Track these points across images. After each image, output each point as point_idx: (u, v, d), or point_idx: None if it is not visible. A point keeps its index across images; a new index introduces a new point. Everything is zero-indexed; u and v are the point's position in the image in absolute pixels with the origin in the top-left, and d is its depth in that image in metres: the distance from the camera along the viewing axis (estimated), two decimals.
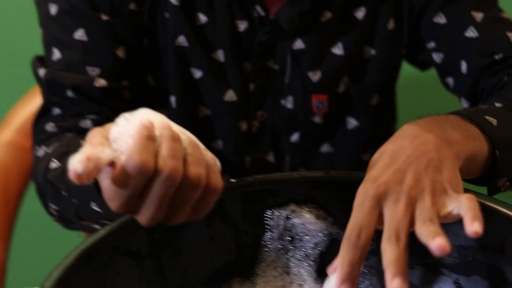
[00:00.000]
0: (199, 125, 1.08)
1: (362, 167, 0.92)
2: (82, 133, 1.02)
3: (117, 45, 1.04)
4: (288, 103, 1.07)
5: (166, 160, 0.68)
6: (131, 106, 1.05)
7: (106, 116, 1.02)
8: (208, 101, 1.07)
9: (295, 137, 1.09)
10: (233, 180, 0.83)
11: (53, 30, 1.04)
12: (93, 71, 1.03)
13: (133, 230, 0.78)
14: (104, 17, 1.03)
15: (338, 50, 1.07)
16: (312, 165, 1.11)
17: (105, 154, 0.68)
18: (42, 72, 1.04)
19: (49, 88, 1.04)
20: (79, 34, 1.03)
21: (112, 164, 0.68)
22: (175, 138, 0.70)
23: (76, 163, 0.67)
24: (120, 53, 1.04)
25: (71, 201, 0.93)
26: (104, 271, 0.76)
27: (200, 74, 1.06)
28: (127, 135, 0.70)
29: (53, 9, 1.04)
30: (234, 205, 0.83)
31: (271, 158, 1.09)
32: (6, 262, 1.25)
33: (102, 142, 0.69)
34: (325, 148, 1.11)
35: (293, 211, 0.84)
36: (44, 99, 1.06)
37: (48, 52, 1.05)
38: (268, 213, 0.84)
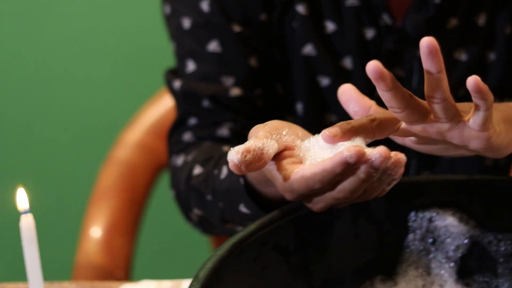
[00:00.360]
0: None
1: (482, 172, 0.92)
2: (219, 141, 1.05)
3: (250, 54, 1.06)
4: None
5: None
6: (264, 113, 1.09)
7: (242, 124, 1.05)
8: (335, 108, 1.08)
9: None
10: None
11: (187, 43, 1.07)
12: (227, 81, 1.06)
13: (281, 226, 0.80)
14: (237, 28, 1.05)
15: (462, 56, 1.07)
16: (435, 168, 1.11)
17: (272, 146, 0.70)
18: (177, 84, 1.07)
19: (186, 99, 1.07)
20: (213, 46, 1.06)
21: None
22: None
23: (234, 154, 0.70)
24: (253, 62, 1.06)
25: (217, 205, 0.95)
26: (253, 264, 0.78)
27: (328, 82, 1.07)
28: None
29: (186, 22, 1.07)
30: (379, 205, 0.84)
31: None
32: (132, 256, 1.29)
33: (267, 136, 0.72)
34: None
35: (436, 213, 0.84)
36: (180, 110, 1.08)
37: (182, 64, 1.08)
38: (411, 214, 0.84)
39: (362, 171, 0.70)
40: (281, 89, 1.11)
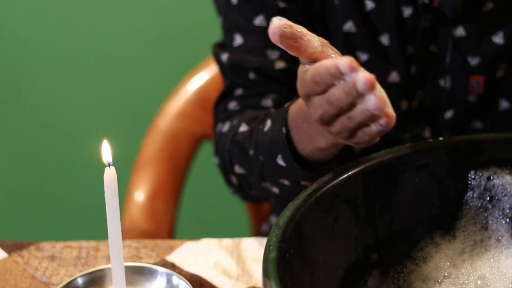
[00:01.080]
0: None
1: None
2: (263, 110, 1.09)
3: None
4: (447, 83, 1.11)
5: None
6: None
7: (285, 96, 1.09)
8: None
9: (449, 114, 1.12)
10: (441, 138, 0.89)
11: (234, 18, 1.11)
12: (273, 54, 1.09)
13: (351, 179, 0.84)
14: (281, 4, 1.09)
15: (498, 39, 1.10)
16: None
17: (314, 41, 0.81)
18: (225, 56, 1.11)
19: (233, 71, 1.10)
20: (259, 20, 1.10)
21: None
22: None
23: (277, 20, 0.79)
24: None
25: (258, 159, 0.99)
26: (326, 215, 0.82)
27: (366, 57, 1.11)
28: None
29: (231, 0, 1.11)
30: (441, 162, 0.88)
31: (427, 134, 1.14)
32: (176, 219, 1.33)
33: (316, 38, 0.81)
34: (477, 125, 1.14)
35: (494, 172, 0.88)
36: (227, 81, 1.12)
37: (230, 38, 1.12)
38: (471, 172, 0.88)
39: (347, 85, 0.77)
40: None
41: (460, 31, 1.09)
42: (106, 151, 0.82)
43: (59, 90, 2.04)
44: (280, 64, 1.09)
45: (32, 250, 1.00)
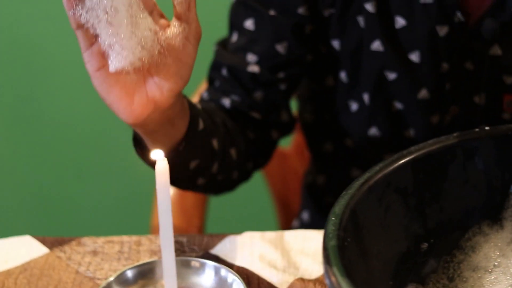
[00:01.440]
0: (392, 117, 1.13)
1: None
2: (221, 109, 1.11)
3: (279, 40, 1.11)
4: (481, 100, 1.11)
5: None
6: (286, 97, 1.14)
7: (247, 103, 1.11)
8: (402, 99, 1.12)
9: None
10: (487, 128, 0.89)
11: (234, 15, 1.14)
12: (251, 57, 1.11)
13: (402, 168, 0.84)
14: (272, 13, 1.10)
15: None
16: None
17: None
18: (214, 48, 1.15)
19: (213, 63, 1.15)
20: (248, 23, 1.12)
21: None
22: None
23: None
24: (281, 48, 1.11)
25: None
26: (379, 204, 0.82)
27: (395, 76, 1.10)
28: None
29: None
30: (488, 151, 0.88)
31: None
32: (206, 214, 1.33)
33: None
34: None
35: None
36: (208, 72, 1.16)
37: (230, 33, 1.15)
38: None
39: None
40: (332, 82, 1.16)
41: (495, 50, 1.08)
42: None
43: (75, 91, 2.04)
44: (253, 68, 1.11)
45: (73, 246, 1.00)
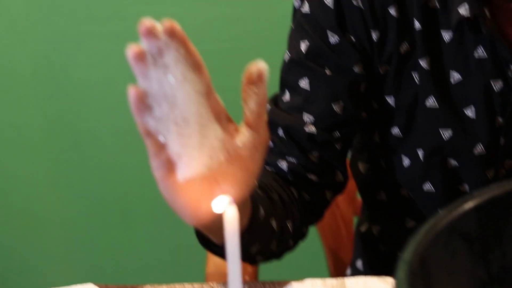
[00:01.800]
0: (447, 173, 1.14)
1: None
2: (278, 173, 1.11)
3: (335, 99, 1.12)
4: None
5: None
6: (341, 156, 1.14)
7: (304, 164, 1.12)
8: (457, 156, 1.13)
9: None
10: None
11: (288, 74, 1.15)
12: (307, 117, 1.12)
13: (466, 213, 0.85)
14: (327, 72, 1.11)
15: None
16: None
17: None
18: (267, 107, 1.14)
19: (269, 124, 1.14)
20: (303, 83, 1.13)
21: None
22: None
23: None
24: (337, 108, 1.12)
25: None
26: (445, 250, 0.83)
27: (450, 133, 1.12)
28: None
29: (286, 56, 1.15)
30: None
31: None
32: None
33: None
34: None
35: None
36: None
37: (282, 91, 1.16)
38: None
39: None
40: (378, 138, 1.17)
41: None
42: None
43: (122, 138, 2.07)
44: (310, 128, 1.11)
45: None
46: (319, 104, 1.12)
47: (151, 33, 0.78)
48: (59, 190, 2.17)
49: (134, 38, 2.02)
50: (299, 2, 1.17)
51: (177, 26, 0.80)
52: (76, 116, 2.12)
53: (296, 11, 1.18)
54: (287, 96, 1.14)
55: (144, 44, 0.80)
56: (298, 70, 1.13)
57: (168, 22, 0.79)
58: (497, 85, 1.09)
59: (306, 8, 1.14)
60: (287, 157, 1.12)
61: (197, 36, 1.93)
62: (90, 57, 2.08)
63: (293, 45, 1.15)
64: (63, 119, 2.12)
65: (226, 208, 0.81)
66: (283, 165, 1.12)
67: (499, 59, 1.08)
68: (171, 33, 0.79)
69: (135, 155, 2.07)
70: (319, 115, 1.12)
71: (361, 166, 1.25)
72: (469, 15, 1.06)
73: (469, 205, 0.85)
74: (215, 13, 2.01)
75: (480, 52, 1.09)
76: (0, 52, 2.09)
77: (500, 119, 1.10)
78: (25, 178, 2.17)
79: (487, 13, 1.06)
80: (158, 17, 1.95)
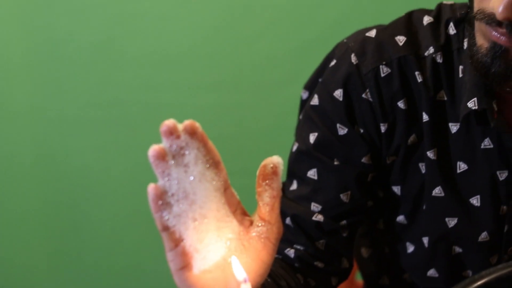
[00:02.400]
0: (451, 259, 1.15)
1: None
2: (285, 260, 1.11)
3: (343, 189, 1.13)
4: None
5: None
6: (347, 244, 1.14)
7: (311, 252, 1.12)
8: (461, 243, 1.14)
9: None
10: None
11: (295, 165, 1.16)
12: (315, 207, 1.13)
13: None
14: (336, 162, 1.12)
15: None
16: None
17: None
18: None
19: None
20: (311, 173, 1.13)
21: None
22: None
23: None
24: (344, 197, 1.13)
25: None
26: None
27: (455, 221, 1.13)
28: None
29: (295, 146, 1.16)
30: None
31: None
32: None
33: None
34: None
35: None
36: None
37: (289, 181, 1.16)
38: None
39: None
40: (382, 225, 1.17)
41: None
42: (238, 268, 0.82)
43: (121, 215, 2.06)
44: (318, 217, 1.12)
45: None
46: (327, 193, 1.12)
47: (172, 133, 0.79)
48: (57, 274, 2.15)
49: (133, 124, 2.03)
50: (307, 94, 1.19)
51: (198, 126, 0.81)
52: (75, 201, 2.12)
53: (304, 103, 1.19)
54: (294, 186, 1.15)
55: (165, 143, 0.81)
56: (307, 161, 1.14)
57: (189, 122, 0.80)
58: (502, 175, 1.10)
59: (315, 100, 1.15)
60: (294, 245, 1.12)
61: (199, 122, 1.96)
62: (90, 143, 2.09)
63: (301, 136, 1.16)
64: (62, 203, 2.12)
65: (242, 285, 0.81)
66: (291, 252, 1.12)
67: (505, 150, 1.10)
68: (192, 132, 0.81)
69: (133, 240, 2.06)
70: (327, 205, 1.12)
71: (364, 251, 1.24)
72: (477, 108, 1.07)
73: (477, 284, 0.84)
74: (217, 99, 2.03)
75: (487, 143, 1.10)
76: (1, 136, 2.10)
77: (504, 208, 1.11)
78: (24, 262, 2.15)
79: (495, 107, 1.08)
80: (158, 105, 1.98)
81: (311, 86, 1.21)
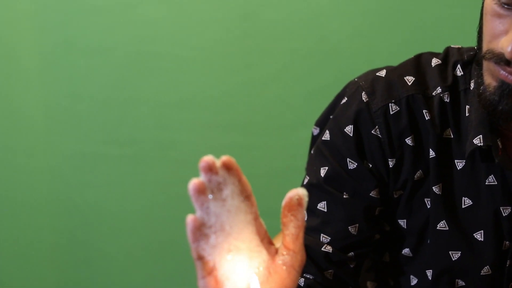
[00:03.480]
0: None
1: None
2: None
3: (352, 222, 1.16)
4: None
5: None
6: (354, 274, 1.17)
7: (319, 281, 1.14)
8: (464, 276, 1.16)
9: None
10: None
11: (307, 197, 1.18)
12: (325, 238, 1.15)
13: None
14: (345, 196, 1.15)
15: None
16: None
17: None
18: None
19: None
20: (321, 205, 1.16)
21: None
22: None
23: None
24: (352, 229, 1.16)
25: None
26: None
27: (458, 255, 1.15)
28: None
29: (305, 180, 1.19)
30: None
31: None
32: None
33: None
34: None
35: None
36: None
37: None
38: None
39: None
40: (388, 258, 1.20)
41: None
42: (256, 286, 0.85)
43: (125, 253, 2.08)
44: (327, 248, 1.15)
45: None
46: (336, 225, 1.15)
47: (211, 169, 0.82)
48: None
49: (147, 162, 2.06)
50: (318, 130, 1.22)
51: (234, 161, 0.84)
52: (88, 236, 2.14)
53: (315, 139, 1.22)
54: (305, 218, 1.16)
55: (203, 178, 0.84)
56: (317, 194, 1.17)
57: (226, 158, 0.83)
58: (505, 211, 1.13)
59: (326, 135, 1.19)
60: (304, 274, 1.15)
61: None
62: (104, 179, 2.12)
63: (312, 170, 1.19)
64: (75, 238, 2.14)
65: None
66: (301, 281, 1.14)
67: (508, 187, 1.12)
68: (229, 168, 0.84)
69: (145, 276, 2.07)
70: (336, 236, 1.15)
71: (370, 285, 1.26)
72: (482, 145, 1.10)
73: None
74: (231, 139, 2.05)
75: (491, 179, 1.13)
76: (18, 169, 2.13)
77: (507, 243, 1.14)
78: None
79: (500, 144, 1.11)
80: (172, 144, 2.01)
81: (322, 123, 1.24)
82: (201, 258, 0.84)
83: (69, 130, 2.11)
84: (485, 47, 1.05)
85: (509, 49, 0.99)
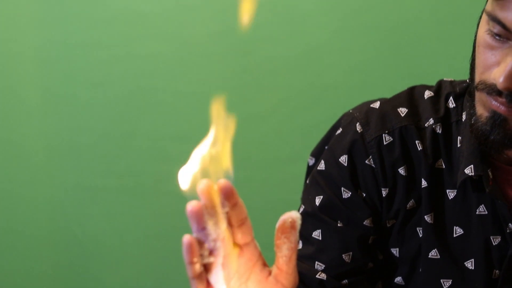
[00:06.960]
0: None
1: None
2: None
3: (346, 250, 1.17)
4: None
5: None
6: None
7: None
8: None
9: None
10: None
11: (302, 225, 1.19)
12: (319, 266, 1.17)
13: None
14: (339, 224, 1.18)
15: None
16: None
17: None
18: None
19: None
20: (316, 233, 1.18)
21: None
22: None
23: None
24: (346, 257, 1.17)
25: None
26: None
27: (449, 283, 1.16)
28: None
29: (301, 208, 1.22)
30: None
31: None
32: None
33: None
34: None
35: None
36: None
37: None
38: None
39: None
40: (380, 286, 1.22)
41: None
42: None
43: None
44: (321, 275, 1.16)
45: None
46: (330, 253, 1.17)
47: (209, 193, 0.84)
48: None
49: (146, 194, 2.07)
50: (314, 160, 1.24)
51: (231, 186, 0.85)
52: (87, 267, 2.14)
53: (311, 169, 1.24)
54: (300, 245, 1.19)
55: (202, 201, 0.85)
56: (312, 222, 1.18)
57: (224, 183, 0.85)
58: (496, 240, 1.14)
59: (321, 165, 1.21)
60: None
61: None
62: (104, 210, 2.13)
63: (307, 199, 1.21)
64: (74, 269, 2.15)
65: None
66: None
67: (498, 216, 1.14)
68: (226, 193, 0.85)
69: None
70: (330, 264, 1.17)
71: None
72: (473, 175, 1.13)
73: None
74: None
75: (482, 209, 1.15)
76: (18, 201, 2.14)
77: (497, 272, 1.16)
78: None
79: (490, 174, 1.13)
80: (170, 176, 2.02)
81: (317, 153, 1.27)
82: (196, 277, 0.86)
83: (69, 162, 2.12)
84: (477, 78, 1.07)
85: (501, 80, 1.01)
